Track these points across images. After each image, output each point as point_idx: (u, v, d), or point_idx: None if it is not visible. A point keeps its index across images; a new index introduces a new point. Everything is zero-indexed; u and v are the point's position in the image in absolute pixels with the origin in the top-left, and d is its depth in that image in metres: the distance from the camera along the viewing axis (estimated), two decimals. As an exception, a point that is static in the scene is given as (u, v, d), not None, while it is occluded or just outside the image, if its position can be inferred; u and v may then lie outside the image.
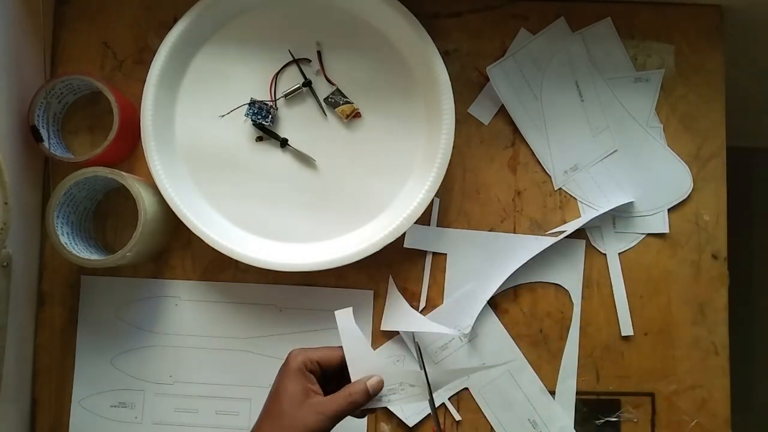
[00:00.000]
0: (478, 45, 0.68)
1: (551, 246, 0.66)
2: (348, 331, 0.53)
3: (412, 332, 0.64)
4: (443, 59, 0.63)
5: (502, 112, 0.68)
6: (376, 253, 0.63)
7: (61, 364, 0.66)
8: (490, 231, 0.67)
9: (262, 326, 0.66)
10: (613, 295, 0.67)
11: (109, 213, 0.67)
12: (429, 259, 0.67)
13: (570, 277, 0.67)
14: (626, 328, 0.66)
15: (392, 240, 0.63)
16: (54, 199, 0.60)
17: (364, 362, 0.52)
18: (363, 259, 0.62)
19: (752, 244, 1.23)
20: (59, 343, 0.66)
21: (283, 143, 0.65)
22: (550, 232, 0.67)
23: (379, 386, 0.52)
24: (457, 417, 0.65)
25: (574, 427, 0.65)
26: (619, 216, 0.67)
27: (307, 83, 0.65)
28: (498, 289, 0.66)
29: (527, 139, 0.68)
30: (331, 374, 0.53)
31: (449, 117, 0.63)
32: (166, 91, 0.64)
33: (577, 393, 0.66)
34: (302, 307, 0.67)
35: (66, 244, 0.60)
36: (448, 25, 0.68)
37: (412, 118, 0.65)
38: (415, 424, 0.65)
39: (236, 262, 0.63)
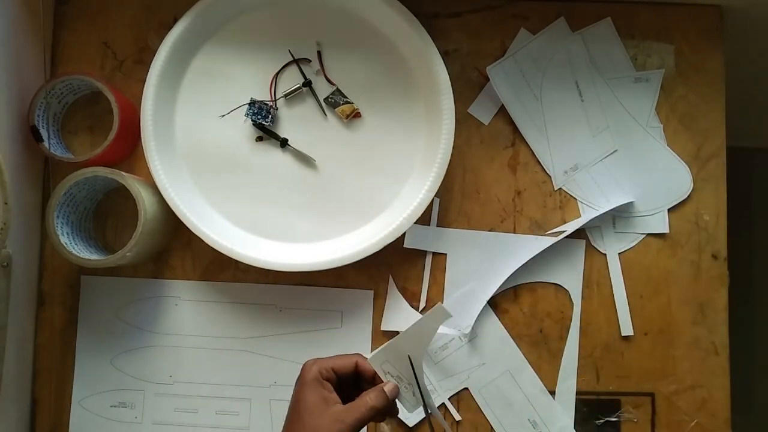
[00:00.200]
0: (478, 45, 0.68)
1: (551, 246, 0.66)
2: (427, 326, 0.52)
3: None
4: (443, 59, 0.63)
5: (502, 112, 0.68)
6: (376, 253, 0.63)
7: (61, 364, 0.66)
8: (490, 231, 0.67)
9: (262, 326, 0.66)
10: (613, 295, 0.67)
11: (109, 213, 0.67)
12: (429, 259, 0.67)
13: (570, 277, 0.67)
14: (626, 328, 0.66)
15: (392, 240, 0.63)
16: (54, 199, 0.60)
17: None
18: (363, 259, 0.62)
19: (752, 244, 1.23)
20: (59, 343, 0.66)
21: (283, 143, 0.65)
22: (550, 232, 0.67)
23: (396, 391, 0.52)
24: (457, 417, 0.65)
25: (574, 427, 0.65)
26: (619, 216, 0.67)
27: (307, 83, 0.65)
28: (498, 289, 0.66)
29: (527, 139, 0.68)
30: (346, 383, 0.53)
31: (449, 117, 0.63)
32: (166, 91, 0.64)
33: (577, 393, 0.66)
34: (302, 307, 0.67)
35: (66, 244, 0.60)
36: (448, 25, 0.68)
37: (412, 118, 0.65)
38: (415, 424, 0.65)
39: (236, 262, 0.63)
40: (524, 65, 0.68)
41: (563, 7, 0.68)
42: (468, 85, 0.68)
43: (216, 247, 0.62)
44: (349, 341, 0.66)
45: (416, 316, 0.65)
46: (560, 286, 0.67)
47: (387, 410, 0.51)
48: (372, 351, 0.66)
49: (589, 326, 0.66)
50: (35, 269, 0.67)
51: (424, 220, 0.66)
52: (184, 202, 0.63)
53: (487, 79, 0.67)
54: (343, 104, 0.65)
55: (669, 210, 0.67)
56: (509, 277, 0.65)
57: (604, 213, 0.66)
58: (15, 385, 0.63)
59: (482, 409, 0.65)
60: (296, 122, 0.66)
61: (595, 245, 0.67)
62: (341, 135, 0.66)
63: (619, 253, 0.67)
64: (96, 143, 0.66)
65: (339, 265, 0.62)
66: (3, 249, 0.57)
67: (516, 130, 0.68)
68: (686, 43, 0.68)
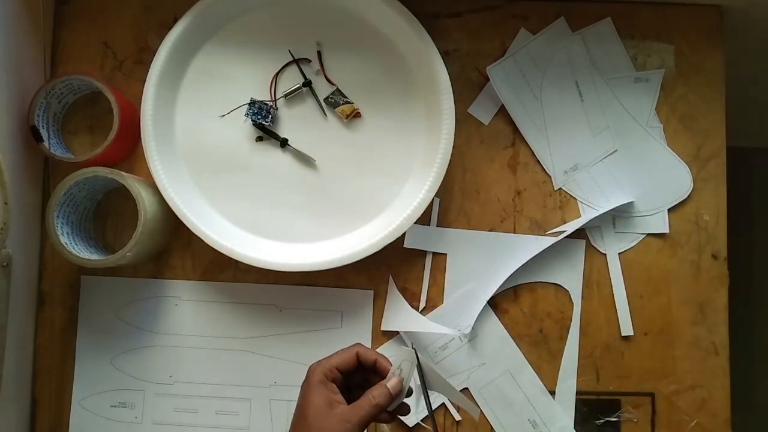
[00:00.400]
0: (478, 45, 0.68)
1: (551, 246, 0.66)
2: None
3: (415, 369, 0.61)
4: (443, 59, 0.63)
5: (502, 112, 0.68)
6: (376, 253, 0.63)
7: (61, 364, 0.66)
8: (490, 231, 0.67)
9: (262, 326, 0.66)
10: (613, 295, 0.67)
11: (109, 213, 0.67)
12: (429, 259, 0.67)
13: (570, 277, 0.67)
14: (626, 328, 0.66)
15: (392, 240, 0.63)
16: (54, 199, 0.60)
17: None
18: (363, 259, 0.62)
19: (752, 244, 1.23)
20: (59, 343, 0.66)
21: (283, 143, 0.65)
22: (550, 232, 0.67)
23: (399, 386, 0.52)
24: (457, 417, 0.65)
25: (574, 427, 0.65)
26: (619, 216, 0.67)
27: (307, 83, 0.65)
28: (498, 289, 0.66)
29: (527, 139, 0.68)
30: (353, 378, 0.53)
31: (449, 117, 0.63)
32: (166, 91, 0.64)
33: (577, 393, 0.66)
34: (302, 307, 0.67)
35: (66, 244, 0.60)
36: (448, 25, 0.68)
37: (412, 118, 0.65)
38: (415, 424, 0.65)
39: (236, 262, 0.63)
40: (524, 65, 0.68)
41: (563, 7, 0.68)
42: (468, 85, 0.68)
43: (216, 247, 0.62)
44: (349, 341, 0.65)
45: (416, 316, 0.65)
46: (560, 286, 0.67)
47: (392, 405, 0.52)
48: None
49: (589, 326, 0.66)
50: (35, 269, 0.67)
51: (424, 220, 0.66)
52: (184, 202, 0.63)
53: (487, 79, 0.67)
54: (343, 104, 0.65)
55: (669, 210, 0.67)
56: (509, 277, 0.65)
57: (604, 213, 0.66)
58: (15, 385, 0.63)
59: (482, 409, 0.65)
60: (296, 122, 0.66)
61: (595, 245, 0.67)
62: (341, 135, 0.66)
63: (619, 253, 0.67)
64: (96, 143, 0.66)
65: (339, 265, 0.62)
66: (3, 249, 0.57)
67: (516, 130, 0.68)
68: (686, 43, 0.68)
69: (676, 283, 0.67)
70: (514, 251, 0.66)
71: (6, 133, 0.60)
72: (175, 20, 0.64)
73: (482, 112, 0.68)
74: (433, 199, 0.63)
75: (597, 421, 0.66)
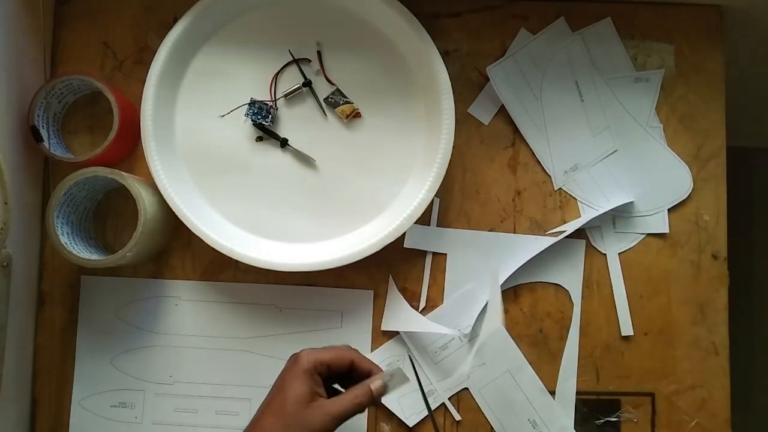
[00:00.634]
0: (478, 45, 0.68)
1: (551, 246, 0.66)
2: None
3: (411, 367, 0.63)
4: (443, 59, 0.63)
5: (502, 112, 0.68)
6: (376, 253, 0.63)
7: (61, 364, 0.66)
8: (490, 231, 0.67)
9: (262, 326, 0.66)
10: (613, 295, 0.67)
11: (109, 213, 0.67)
12: (429, 259, 0.67)
13: (570, 277, 0.67)
14: (626, 328, 0.66)
15: (392, 240, 0.63)
16: (54, 199, 0.60)
17: None
18: (363, 259, 0.62)
19: (752, 244, 1.24)
20: (59, 343, 0.66)
21: (283, 143, 0.65)
22: (550, 232, 0.67)
23: (383, 390, 0.53)
24: (457, 417, 0.65)
25: (574, 427, 0.65)
26: (619, 216, 0.67)
27: (307, 83, 0.65)
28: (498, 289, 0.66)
29: (527, 139, 0.68)
30: (336, 374, 0.54)
31: (449, 117, 0.63)
32: (166, 91, 0.64)
33: (577, 393, 0.66)
34: (302, 307, 0.67)
35: (66, 244, 0.60)
36: (448, 25, 0.68)
37: (412, 118, 0.65)
38: (415, 424, 0.65)
39: (236, 262, 0.63)
40: (524, 65, 0.68)
41: (563, 7, 0.68)
42: (468, 85, 0.68)
43: (216, 247, 0.62)
44: (349, 341, 0.66)
45: (416, 316, 0.65)
46: (560, 286, 0.67)
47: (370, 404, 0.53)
48: (372, 351, 0.66)
49: (589, 326, 0.66)
50: (35, 269, 0.67)
51: (424, 220, 0.66)
52: (184, 202, 0.63)
53: (487, 79, 0.67)
54: (343, 104, 0.65)
55: (669, 210, 0.67)
56: (509, 277, 0.65)
57: (604, 213, 0.66)
58: (15, 385, 0.63)
59: (482, 409, 0.65)
60: (296, 122, 0.66)
61: (595, 245, 0.67)
62: (341, 135, 0.66)
63: (619, 253, 0.67)
64: (96, 143, 0.66)
65: (339, 265, 0.62)
66: (3, 249, 0.57)
67: (516, 130, 0.68)
68: (686, 43, 0.68)
69: (676, 283, 0.67)
70: (514, 251, 0.66)
71: (6, 133, 0.60)
72: (175, 20, 0.64)
73: (482, 112, 0.68)
74: (433, 199, 0.63)
75: (597, 421, 0.66)
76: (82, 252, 0.61)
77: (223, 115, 0.66)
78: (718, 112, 0.68)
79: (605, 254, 0.67)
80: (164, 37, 0.64)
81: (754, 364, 1.20)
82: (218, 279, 0.67)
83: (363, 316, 0.66)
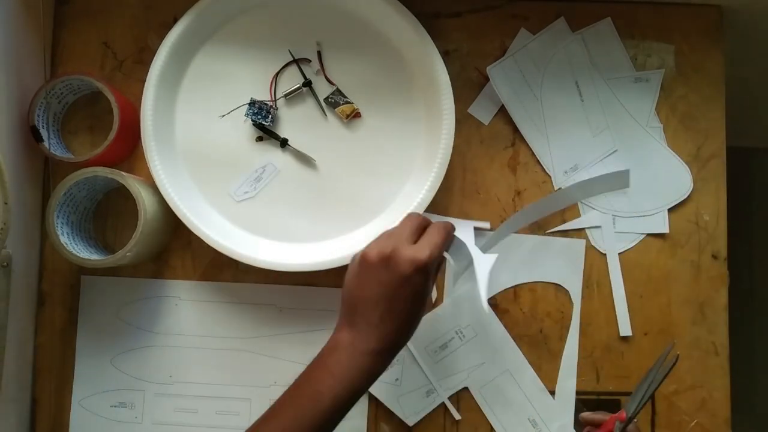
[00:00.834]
0: (478, 45, 0.68)
1: (551, 246, 0.66)
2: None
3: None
4: (443, 59, 0.63)
5: (502, 112, 0.68)
6: (376, 253, 0.62)
7: (61, 364, 0.66)
8: (490, 231, 0.67)
9: (262, 326, 0.66)
10: (612, 295, 0.66)
11: (109, 213, 0.67)
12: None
13: (570, 277, 0.67)
14: (625, 329, 0.66)
15: (392, 240, 0.63)
16: (54, 199, 0.60)
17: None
18: (363, 259, 0.62)
19: (752, 244, 1.24)
20: (59, 343, 0.66)
21: (283, 143, 0.65)
22: (549, 231, 0.67)
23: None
24: (457, 416, 0.65)
25: (574, 427, 0.65)
26: (619, 216, 0.67)
27: (307, 83, 0.65)
28: (498, 289, 0.66)
29: (527, 139, 0.68)
30: None
31: (449, 117, 0.63)
32: (166, 91, 0.64)
33: (577, 393, 0.66)
34: (302, 307, 0.67)
35: (66, 244, 0.60)
36: (448, 25, 0.68)
37: (412, 118, 0.65)
38: (415, 424, 0.65)
39: (236, 262, 0.63)
40: (524, 65, 0.68)
41: (563, 7, 0.68)
42: (468, 85, 0.68)
43: (216, 247, 0.62)
44: (349, 341, 0.66)
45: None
46: (560, 286, 0.67)
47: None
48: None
49: (589, 326, 0.66)
50: (35, 269, 0.67)
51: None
52: (184, 202, 0.63)
53: (487, 79, 0.67)
54: (343, 104, 0.65)
55: (669, 210, 0.67)
56: (509, 277, 0.65)
57: (597, 179, 0.65)
58: (15, 385, 0.63)
59: (482, 409, 0.65)
60: (296, 122, 0.66)
61: (595, 245, 0.67)
62: (341, 135, 0.66)
63: (619, 253, 0.67)
64: (96, 143, 0.66)
65: (339, 265, 0.62)
66: (3, 249, 0.57)
67: (516, 130, 0.68)
68: (686, 43, 0.68)
69: (676, 283, 0.67)
70: (515, 251, 0.66)
71: (6, 133, 0.60)
72: (175, 20, 0.64)
73: (482, 112, 0.68)
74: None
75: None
76: (82, 252, 0.61)
77: (223, 115, 0.66)
78: (718, 112, 0.68)
79: (605, 254, 0.67)
80: (164, 37, 0.64)
81: (754, 364, 1.20)
82: (218, 279, 0.67)
83: (363, 316, 0.66)
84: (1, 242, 0.52)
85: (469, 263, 0.56)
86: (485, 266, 0.54)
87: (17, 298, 0.62)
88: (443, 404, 0.66)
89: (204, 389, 0.66)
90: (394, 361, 0.64)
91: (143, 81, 0.63)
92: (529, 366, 0.66)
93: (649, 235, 0.67)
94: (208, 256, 0.67)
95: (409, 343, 0.65)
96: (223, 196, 0.65)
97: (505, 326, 0.66)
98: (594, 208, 0.67)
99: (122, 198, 0.66)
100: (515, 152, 0.68)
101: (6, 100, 0.60)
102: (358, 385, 0.49)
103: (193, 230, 0.62)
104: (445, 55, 0.66)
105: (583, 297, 0.66)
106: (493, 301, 0.66)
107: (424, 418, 0.65)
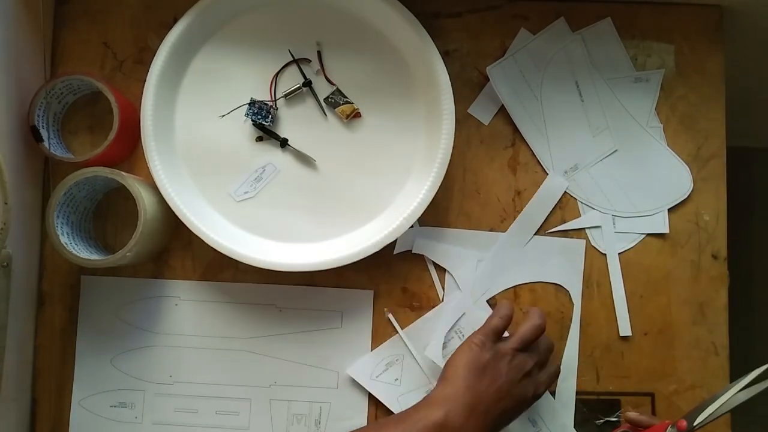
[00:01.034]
0: (478, 45, 0.68)
1: (551, 246, 0.66)
2: None
3: None
4: (443, 59, 0.63)
5: (502, 112, 0.68)
6: (376, 253, 0.63)
7: (61, 364, 0.66)
8: (490, 231, 0.67)
9: (262, 326, 0.66)
10: (612, 295, 0.66)
11: (109, 213, 0.67)
12: (430, 259, 0.67)
13: (570, 277, 0.67)
14: (625, 329, 0.66)
15: (392, 240, 0.63)
16: (54, 199, 0.60)
17: None
18: (363, 259, 0.62)
19: (752, 244, 1.23)
20: (59, 343, 0.66)
21: (283, 143, 0.65)
22: (549, 231, 0.67)
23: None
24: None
25: (574, 427, 0.65)
26: (619, 216, 0.67)
27: (307, 83, 0.65)
28: (498, 290, 0.66)
29: (527, 139, 0.68)
30: None
31: (449, 117, 0.63)
32: (166, 91, 0.64)
33: (577, 393, 0.66)
34: (302, 307, 0.67)
35: (66, 244, 0.60)
36: (448, 25, 0.68)
37: (412, 118, 0.65)
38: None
39: (236, 262, 0.63)
40: (524, 65, 0.68)
41: (563, 7, 0.68)
42: (468, 85, 0.68)
43: (216, 247, 0.62)
44: (349, 341, 0.66)
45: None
46: (560, 286, 0.67)
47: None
48: (372, 350, 0.66)
49: (589, 326, 0.66)
50: (35, 269, 0.67)
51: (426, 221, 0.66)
52: (184, 202, 0.63)
53: (487, 79, 0.67)
54: (343, 104, 0.65)
55: (669, 210, 0.67)
56: (509, 277, 0.65)
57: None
58: (15, 385, 0.63)
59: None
60: (296, 122, 0.66)
61: (595, 245, 0.67)
62: (341, 135, 0.66)
63: (619, 253, 0.67)
64: (96, 143, 0.66)
65: (339, 265, 0.62)
66: (3, 249, 0.57)
67: (516, 130, 0.68)
68: (686, 43, 0.68)
69: (676, 283, 0.67)
70: (514, 251, 0.66)
71: (6, 133, 0.60)
72: (175, 20, 0.64)
73: (482, 112, 0.68)
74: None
75: (597, 421, 0.66)
76: (82, 252, 0.61)
77: (223, 115, 0.66)
78: (718, 112, 0.68)
79: (605, 254, 0.67)
80: (164, 37, 0.64)
81: (754, 364, 1.20)
82: (218, 279, 0.67)
83: (363, 316, 0.66)
84: (1, 242, 0.52)
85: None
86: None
87: (17, 298, 0.62)
88: (443, 404, 0.66)
89: (204, 389, 0.66)
90: (394, 360, 0.65)
91: (143, 81, 0.63)
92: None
93: (649, 235, 0.67)
94: (208, 256, 0.67)
95: (409, 344, 0.66)
96: (223, 196, 0.65)
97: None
98: (594, 208, 0.67)
99: (122, 198, 0.66)
100: (515, 152, 0.68)
101: (6, 100, 0.60)
102: None
103: (193, 230, 0.62)
104: (445, 55, 0.66)
105: (582, 297, 0.66)
106: (492, 302, 0.66)
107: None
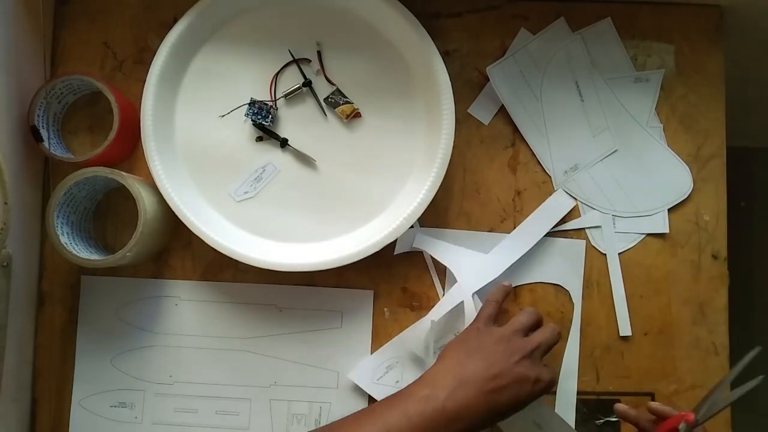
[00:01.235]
0: (478, 45, 0.68)
1: (551, 246, 0.66)
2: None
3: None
4: (443, 59, 0.63)
5: (502, 112, 0.68)
6: (376, 253, 0.63)
7: (61, 364, 0.66)
8: (490, 231, 0.67)
9: (262, 326, 0.66)
10: (612, 295, 0.66)
11: (109, 213, 0.67)
12: (429, 259, 0.67)
13: (570, 277, 0.67)
14: (625, 329, 0.66)
15: (392, 240, 0.63)
16: (54, 199, 0.60)
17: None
18: (363, 259, 0.62)
19: (752, 244, 1.23)
20: (59, 343, 0.66)
21: (283, 143, 0.65)
22: (549, 231, 0.67)
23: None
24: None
25: (574, 427, 0.65)
26: (619, 216, 0.67)
27: (307, 83, 0.65)
28: (498, 289, 0.66)
29: (527, 139, 0.68)
30: None
31: (449, 117, 0.63)
32: (166, 91, 0.64)
33: (577, 393, 0.66)
34: (302, 307, 0.67)
35: (66, 244, 0.60)
36: (448, 25, 0.68)
37: (412, 118, 0.65)
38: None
39: (236, 262, 0.63)
40: (524, 65, 0.68)
41: (563, 7, 0.68)
42: (468, 85, 0.68)
43: (216, 247, 0.62)
44: (349, 341, 0.66)
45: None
46: (560, 286, 0.67)
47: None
48: (372, 352, 0.66)
49: (589, 326, 0.66)
50: (35, 269, 0.67)
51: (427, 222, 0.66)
52: (184, 202, 0.63)
53: (487, 79, 0.67)
54: (343, 104, 0.65)
55: (669, 210, 0.67)
56: (509, 277, 0.65)
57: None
58: (15, 385, 0.63)
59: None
60: (296, 122, 0.66)
61: (595, 245, 0.67)
62: (341, 135, 0.66)
63: (619, 253, 0.67)
64: (96, 143, 0.66)
65: (339, 265, 0.62)
66: (3, 249, 0.57)
67: (516, 130, 0.68)
68: (686, 43, 0.68)
69: (676, 283, 0.67)
70: (514, 251, 0.66)
71: (6, 133, 0.60)
72: (175, 20, 0.64)
73: (482, 112, 0.68)
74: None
75: (597, 421, 0.66)
76: (82, 252, 0.61)
77: (223, 115, 0.66)
78: (718, 112, 0.68)
79: (605, 254, 0.67)
80: (164, 37, 0.64)
81: (754, 364, 1.20)
82: (218, 279, 0.67)
83: (363, 316, 0.66)
84: (1, 242, 0.52)
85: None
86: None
87: (17, 298, 0.62)
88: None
89: (204, 389, 0.66)
90: (395, 363, 0.65)
91: (143, 81, 0.63)
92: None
93: (649, 235, 0.67)
94: (208, 256, 0.67)
95: (409, 342, 0.65)
96: (223, 196, 0.65)
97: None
98: (594, 208, 0.67)
99: (122, 198, 0.66)
100: (515, 152, 0.68)
101: (6, 100, 0.60)
102: None
103: (193, 230, 0.62)
104: (445, 55, 0.66)
105: (583, 297, 0.66)
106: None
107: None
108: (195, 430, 0.66)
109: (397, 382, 0.65)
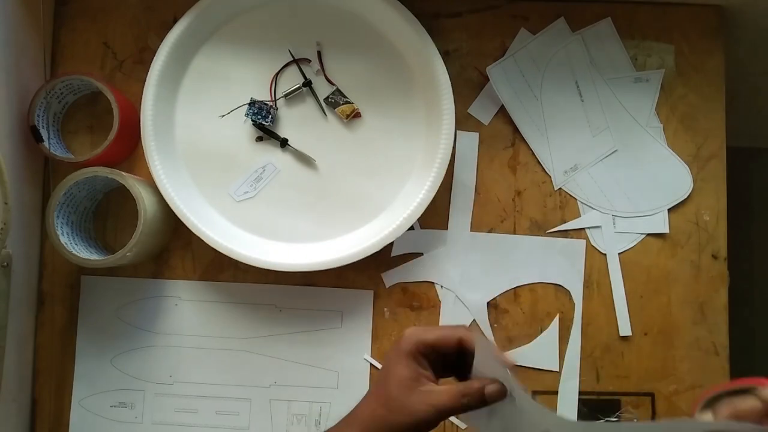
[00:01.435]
0: (478, 45, 0.68)
1: (551, 246, 0.66)
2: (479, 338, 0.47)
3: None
4: (443, 59, 0.63)
5: (502, 112, 0.68)
6: (376, 253, 0.63)
7: (61, 364, 0.66)
8: (489, 231, 0.67)
9: (262, 326, 0.66)
10: (613, 295, 0.66)
11: (109, 213, 0.67)
12: (429, 259, 0.67)
13: (570, 277, 0.67)
14: (625, 329, 0.66)
15: (392, 240, 0.63)
16: (54, 199, 0.60)
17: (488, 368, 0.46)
18: (363, 259, 0.62)
19: (752, 244, 1.23)
20: (59, 343, 0.66)
21: (283, 143, 0.65)
22: (549, 231, 0.67)
23: (498, 395, 0.45)
24: (462, 426, 0.65)
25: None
26: (619, 216, 0.67)
27: (307, 83, 0.65)
28: (498, 290, 0.66)
29: (527, 139, 0.68)
30: (449, 356, 0.47)
31: (449, 117, 0.63)
32: (166, 91, 0.64)
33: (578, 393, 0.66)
34: (302, 307, 0.67)
35: (66, 244, 0.60)
36: (448, 25, 0.68)
37: (412, 118, 0.65)
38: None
39: (236, 262, 0.63)
40: (524, 65, 0.67)
41: (563, 7, 0.68)
42: (468, 85, 0.68)
43: (216, 247, 0.62)
44: (349, 341, 0.66)
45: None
46: (560, 286, 0.67)
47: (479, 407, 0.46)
48: (372, 352, 0.66)
49: (589, 326, 0.66)
50: (35, 269, 0.67)
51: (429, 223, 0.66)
52: (184, 202, 0.63)
53: (487, 79, 0.67)
54: (343, 104, 0.65)
55: (669, 210, 0.67)
56: (509, 277, 0.65)
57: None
58: (15, 385, 0.63)
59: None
60: (296, 122, 0.66)
61: (595, 245, 0.67)
62: (341, 135, 0.66)
63: (619, 253, 0.67)
64: (96, 143, 0.66)
65: (339, 265, 0.62)
66: (3, 249, 0.57)
67: (516, 130, 0.68)
68: (686, 43, 0.68)
69: (676, 283, 0.67)
70: (514, 251, 0.66)
71: (6, 133, 0.60)
72: (175, 20, 0.64)
73: (482, 112, 0.68)
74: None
75: (597, 421, 0.66)
76: (82, 252, 0.61)
77: (223, 115, 0.66)
78: (718, 112, 0.68)
79: (605, 254, 0.67)
80: (164, 37, 0.64)
81: (754, 364, 1.20)
82: (218, 279, 0.67)
83: (363, 316, 0.66)
84: (1, 242, 0.52)
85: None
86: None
87: (17, 298, 0.62)
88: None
89: (204, 389, 0.66)
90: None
91: (143, 81, 0.63)
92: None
93: (649, 235, 0.67)
94: (208, 256, 0.67)
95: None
96: (223, 196, 0.65)
97: (505, 326, 0.66)
98: (594, 208, 0.67)
99: (122, 198, 0.66)
100: (515, 152, 0.68)
101: (6, 100, 0.60)
102: None
103: (193, 230, 0.62)
104: (445, 55, 0.66)
105: (583, 297, 0.66)
106: (493, 302, 0.66)
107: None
108: (195, 430, 0.66)
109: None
